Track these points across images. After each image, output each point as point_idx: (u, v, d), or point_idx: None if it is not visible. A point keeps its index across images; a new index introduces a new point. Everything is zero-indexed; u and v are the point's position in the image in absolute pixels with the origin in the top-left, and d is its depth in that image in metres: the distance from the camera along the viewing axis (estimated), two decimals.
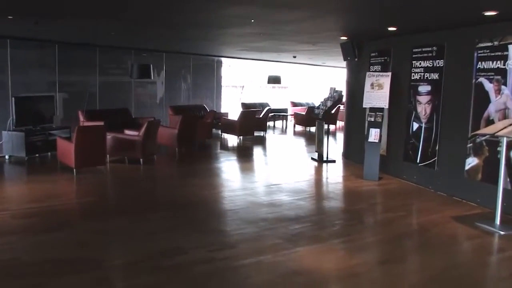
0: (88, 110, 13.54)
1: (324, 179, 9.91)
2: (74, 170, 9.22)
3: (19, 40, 12.22)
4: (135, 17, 8.62)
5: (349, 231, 6.32)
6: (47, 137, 11.17)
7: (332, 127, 19.70)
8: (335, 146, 13.91)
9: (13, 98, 10.99)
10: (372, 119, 9.51)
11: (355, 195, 8.53)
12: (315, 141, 14.94)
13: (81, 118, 13.22)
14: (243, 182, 9.35)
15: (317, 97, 25.66)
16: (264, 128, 16.61)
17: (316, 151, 11.94)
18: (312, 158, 11.88)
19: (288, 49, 14.35)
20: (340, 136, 16.32)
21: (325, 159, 11.54)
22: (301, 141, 16.19)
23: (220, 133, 15.82)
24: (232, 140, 15.19)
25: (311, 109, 18.99)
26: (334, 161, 11.60)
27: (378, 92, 9.54)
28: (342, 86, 12.10)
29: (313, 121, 18.91)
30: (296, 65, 22.20)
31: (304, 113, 19.71)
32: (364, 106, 9.76)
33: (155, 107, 17.03)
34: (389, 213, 7.33)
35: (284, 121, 20.45)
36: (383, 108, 9.50)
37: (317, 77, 26.54)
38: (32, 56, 13.26)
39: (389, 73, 9.61)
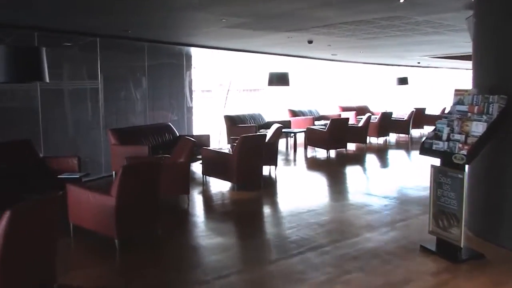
0: None
1: None
2: None
3: None
4: None
5: None
6: None
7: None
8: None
9: None
10: None
11: None
12: (361, 182, 8.10)
13: None
14: None
15: (325, 103, 19.21)
16: (274, 160, 9.88)
17: (432, 231, 5.29)
18: (424, 248, 5.27)
19: (330, 18, 7.73)
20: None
21: (464, 255, 4.96)
22: (338, 185, 9.52)
23: (201, 175, 8.98)
24: (224, 189, 8.41)
25: (338, 123, 12.29)
26: (482, 257, 5.01)
27: None
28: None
29: (337, 142, 12.35)
30: (286, 59, 15.56)
31: (319, 127, 13.06)
32: None
33: (88, 130, 10.07)
34: None
35: (289, 139, 13.74)
36: None
37: (321, 74, 20.02)
38: None
39: None
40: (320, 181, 9.82)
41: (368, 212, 6.98)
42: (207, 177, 8.90)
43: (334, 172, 10.37)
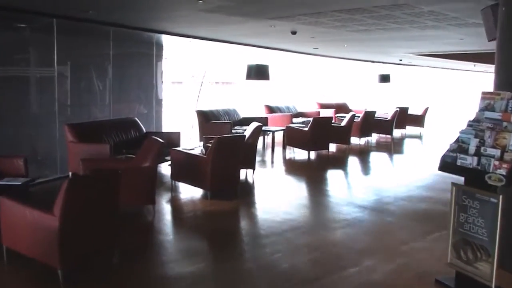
0: None
1: None
2: None
3: None
4: None
5: None
6: None
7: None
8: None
9: None
10: None
11: None
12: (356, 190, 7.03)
13: None
14: None
15: (302, 99, 18.21)
16: (252, 163, 8.86)
17: (451, 263, 4.34)
18: (440, 284, 4.35)
19: (323, 4, 6.73)
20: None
21: None
22: (325, 195, 8.51)
23: (170, 179, 7.86)
24: (195, 197, 7.34)
25: (321, 122, 11.35)
26: None
27: None
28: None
29: (319, 143, 11.41)
30: (263, 52, 14.51)
31: (298, 125, 12.11)
32: None
33: (41, 125, 8.85)
34: None
35: (266, 137, 12.74)
36: None
37: (299, 69, 19.08)
38: None
39: None
40: (303, 189, 8.78)
41: (364, 231, 6.02)
42: (176, 182, 7.79)
43: (318, 178, 9.38)
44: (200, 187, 7.33)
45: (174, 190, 7.66)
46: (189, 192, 7.51)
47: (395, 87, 21.28)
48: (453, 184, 4.33)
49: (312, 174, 9.64)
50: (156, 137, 6.62)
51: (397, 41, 11.21)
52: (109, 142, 8.33)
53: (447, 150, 4.36)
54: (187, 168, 7.42)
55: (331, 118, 11.68)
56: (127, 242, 5.17)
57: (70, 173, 8.21)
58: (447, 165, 4.30)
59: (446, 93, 27.31)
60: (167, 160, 8.21)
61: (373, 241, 5.63)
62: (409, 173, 9.90)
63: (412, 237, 5.76)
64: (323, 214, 6.87)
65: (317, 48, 14.25)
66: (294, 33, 9.91)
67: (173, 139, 9.33)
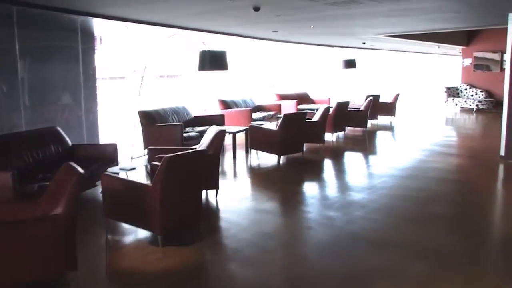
0: None
1: None
2: None
3: None
4: None
5: None
6: None
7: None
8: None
9: None
10: None
11: None
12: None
13: None
14: None
15: (258, 91, 16.19)
16: (214, 181, 6.73)
17: None
18: None
19: None
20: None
21: None
22: (319, 224, 6.43)
23: (103, 215, 5.57)
24: (140, 246, 5.14)
25: (293, 119, 9.36)
26: None
27: None
28: None
29: (291, 145, 9.38)
30: (213, 38, 12.56)
31: (258, 123, 10.10)
32: None
33: None
34: None
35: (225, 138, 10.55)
36: None
37: (253, 58, 17.03)
38: None
39: None
40: (285, 215, 6.38)
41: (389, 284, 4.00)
42: (113, 220, 5.55)
43: (299, 196, 7.30)
44: (147, 229, 5.13)
45: (110, 232, 5.41)
46: (132, 235, 5.30)
47: (360, 73, 19.59)
48: None
49: (290, 189, 7.56)
50: (72, 164, 4.33)
51: (376, 17, 9.38)
52: (15, 167, 5.99)
53: None
54: (127, 203, 5.19)
55: (305, 113, 9.57)
56: None
57: None
58: None
59: (407, 78, 26.03)
60: (97, 185, 6.04)
61: None
62: (403, 178, 8.01)
63: None
64: (330, 261, 4.72)
65: (276, 32, 12.25)
66: (257, 9, 7.86)
67: (107, 154, 7.11)
